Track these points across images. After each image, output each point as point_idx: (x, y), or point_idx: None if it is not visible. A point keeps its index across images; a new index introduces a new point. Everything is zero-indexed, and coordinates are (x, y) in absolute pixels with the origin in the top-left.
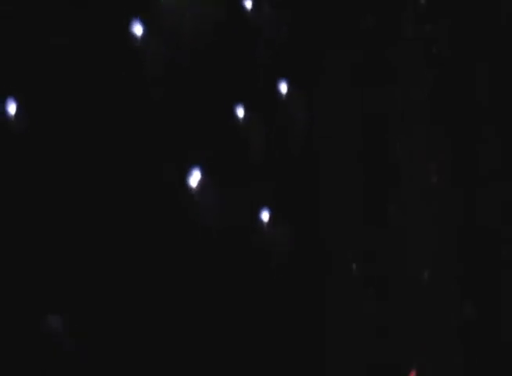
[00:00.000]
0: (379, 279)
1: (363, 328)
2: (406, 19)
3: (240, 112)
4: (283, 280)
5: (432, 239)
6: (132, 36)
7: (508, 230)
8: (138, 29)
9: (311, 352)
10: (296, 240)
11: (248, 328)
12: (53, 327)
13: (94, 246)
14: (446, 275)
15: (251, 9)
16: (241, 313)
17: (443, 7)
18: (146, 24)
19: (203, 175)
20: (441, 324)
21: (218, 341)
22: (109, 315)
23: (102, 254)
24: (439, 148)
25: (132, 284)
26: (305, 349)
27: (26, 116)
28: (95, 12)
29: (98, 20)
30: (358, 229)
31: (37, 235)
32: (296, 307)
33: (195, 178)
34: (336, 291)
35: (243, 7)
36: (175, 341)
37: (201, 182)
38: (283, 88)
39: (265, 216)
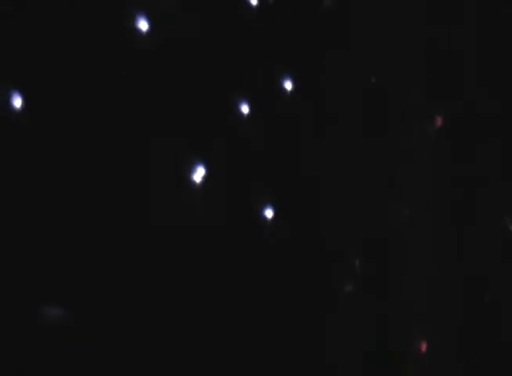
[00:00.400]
0: (379, 278)
1: (363, 327)
2: (406, 19)
3: (244, 109)
4: (282, 277)
5: (432, 239)
6: (133, 31)
7: (508, 230)
8: (142, 25)
9: (310, 350)
10: (295, 239)
11: (250, 326)
12: (53, 319)
13: (95, 241)
14: (446, 275)
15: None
16: (241, 312)
17: (444, 7)
18: (147, 19)
19: (207, 171)
20: (440, 324)
21: (220, 335)
22: (110, 310)
23: (103, 249)
24: (439, 148)
25: (134, 280)
26: (305, 346)
27: (29, 109)
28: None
29: (97, 14)
30: (357, 228)
31: (38, 229)
32: (296, 305)
33: (199, 175)
34: (337, 290)
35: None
36: (178, 336)
37: (205, 179)
38: (285, 84)
39: (268, 214)
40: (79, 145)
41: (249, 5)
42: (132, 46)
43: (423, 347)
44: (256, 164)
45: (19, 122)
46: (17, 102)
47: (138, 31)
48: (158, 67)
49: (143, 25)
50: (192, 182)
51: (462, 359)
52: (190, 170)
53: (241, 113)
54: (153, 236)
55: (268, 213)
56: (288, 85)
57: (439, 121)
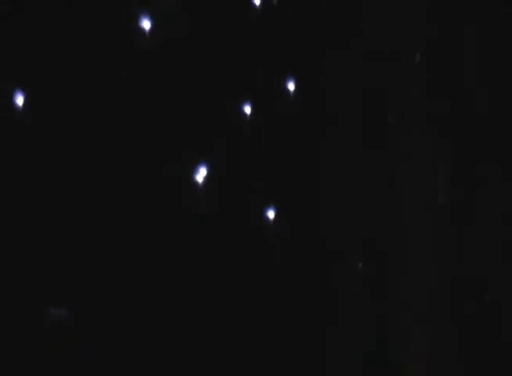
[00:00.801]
0: (379, 278)
1: (363, 327)
2: (406, 19)
3: (247, 109)
4: (283, 277)
5: (432, 239)
6: (135, 31)
7: (508, 230)
8: (144, 24)
9: (310, 350)
10: (296, 239)
11: (250, 326)
12: (56, 319)
13: (95, 241)
14: (446, 275)
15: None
16: (241, 311)
17: (444, 7)
18: (150, 19)
19: (208, 171)
20: (440, 324)
21: (220, 334)
22: (111, 310)
23: (103, 249)
24: (439, 148)
25: (136, 281)
26: (305, 346)
27: (32, 109)
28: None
29: (102, 15)
30: (358, 228)
31: (41, 228)
32: (296, 305)
33: (201, 175)
34: (337, 290)
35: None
36: (178, 336)
37: (207, 179)
38: (286, 84)
39: (269, 214)
40: (82, 146)
41: (250, 6)
42: (134, 46)
43: None
44: (257, 164)
45: (22, 121)
46: (19, 100)
47: (140, 31)
48: (160, 67)
49: (146, 25)
50: (195, 182)
51: (462, 359)
52: (192, 170)
53: (242, 114)
54: (155, 236)
55: (269, 213)
56: (288, 85)
57: None
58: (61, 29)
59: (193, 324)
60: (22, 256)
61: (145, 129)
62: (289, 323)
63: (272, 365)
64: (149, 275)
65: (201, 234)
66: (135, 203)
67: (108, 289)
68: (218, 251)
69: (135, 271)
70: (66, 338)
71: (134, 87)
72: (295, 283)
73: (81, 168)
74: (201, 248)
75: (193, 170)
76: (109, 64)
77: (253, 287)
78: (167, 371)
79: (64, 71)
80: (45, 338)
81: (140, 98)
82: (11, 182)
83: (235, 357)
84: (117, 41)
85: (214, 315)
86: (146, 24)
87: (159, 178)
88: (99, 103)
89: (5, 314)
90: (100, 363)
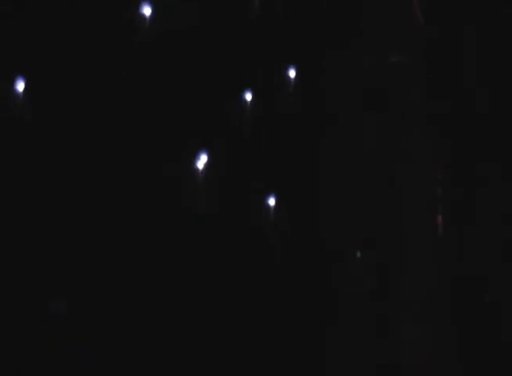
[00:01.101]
0: (379, 278)
1: (363, 325)
2: (406, 19)
3: (248, 97)
4: (283, 277)
5: (432, 239)
6: (140, 22)
7: (508, 230)
8: (146, 11)
9: (310, 350)
10: (296, 239)
11: (250, 322)
12: (55, 311)
13: (97, 236)
14: (446, 275)
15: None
16: (241, 310)
17: (444, 7)
18: (151, 7)
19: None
20: (440, 324)
21: (219, 333)
22: (110, 310)
23: (104, 248)
24: (439, 148)
25: (136, 281)
26: (305, 346)
27: (32, 104)
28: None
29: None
30: (357, 229)
31: (41, 224)
32: (296, 305)
33: (202, 162)
34: (337, 290)
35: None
36: (178, 333)
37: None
38: (289, 75)
39: (270, 204)
40: (86, 138)
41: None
42: (135, 40)
43: None
44: (258, 164)
45: (22, 117)
46: (20, 86)
47: (140, 26)
48: (160, 61)
49: (146, 11)
50: (196, 170)
51: (462, 359)
52: (194, 158)
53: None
54: (154, 233)
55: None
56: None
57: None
58: (60, 20)
59: (193, 323)
60: (22, 256)
61: (143, 120)
62: (289, 322)
63: (272, 365)
64: (148, 274)
65: (201, 233)
66: (132, 192)
67: (108, 289)
68: (219, 251)
69: (135, 270)
70: (66, 338)
71: (133, 76)
72: (295, 282)
73: (80, 165)
74: (201, 248)
75: (192, 166)
76: (108, 58)
77: (253, 287)
78: (167, 371)
79: (63, 63)
80: (45, 338)
81: (139, 88)
82: (10, 180)
83: (235, 357)
84: (117, 32)
85: (213, 315)
86: (147, 11)
87: (156, 169)
88: (97, 98)
89: (6, 314)
90: (100, 363)
